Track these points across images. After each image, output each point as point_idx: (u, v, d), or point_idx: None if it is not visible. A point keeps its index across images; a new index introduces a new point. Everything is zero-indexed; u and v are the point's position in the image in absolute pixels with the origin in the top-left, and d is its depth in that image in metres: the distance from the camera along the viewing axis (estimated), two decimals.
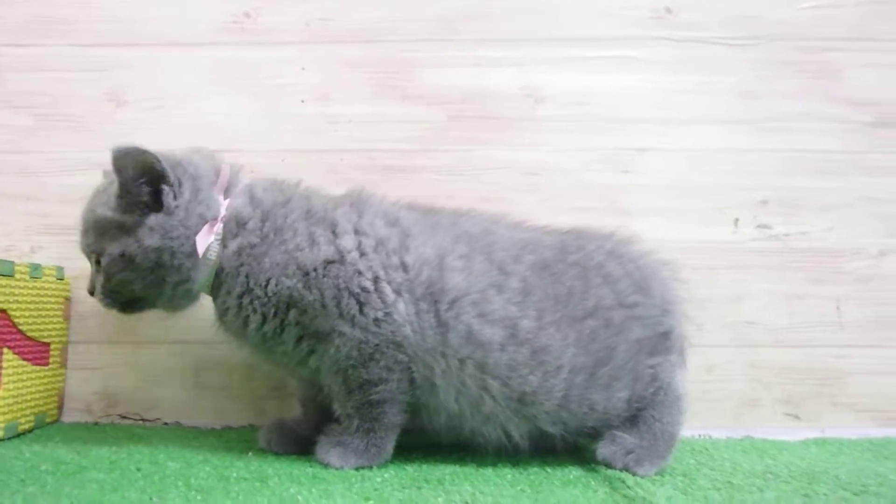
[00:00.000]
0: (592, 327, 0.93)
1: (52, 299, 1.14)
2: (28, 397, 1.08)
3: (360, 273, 0.89)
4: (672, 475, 0.90)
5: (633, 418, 0.94)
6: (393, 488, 0.81)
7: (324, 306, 0.88)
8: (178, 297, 0.94)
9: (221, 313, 0.94)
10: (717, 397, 1.21)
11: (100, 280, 0.92)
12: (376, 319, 0.88)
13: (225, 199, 0.94)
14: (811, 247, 1.23)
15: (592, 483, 0.86)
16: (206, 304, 1.18)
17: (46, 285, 1.12)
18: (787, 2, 1.25)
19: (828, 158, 1.23)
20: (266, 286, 0.89)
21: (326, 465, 0.88)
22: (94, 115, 1.24)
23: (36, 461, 0.89)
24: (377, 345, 0.88)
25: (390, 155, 1.25)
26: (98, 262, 0.92)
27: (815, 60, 1.24)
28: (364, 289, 0.88)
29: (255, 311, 0.90)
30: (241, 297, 0.90)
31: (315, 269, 0.89)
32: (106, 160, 1.09)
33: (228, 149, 1.22)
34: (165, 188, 0.89)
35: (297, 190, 0.99)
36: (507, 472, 0.90)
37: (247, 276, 0.90)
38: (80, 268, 1.19)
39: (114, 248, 0.89)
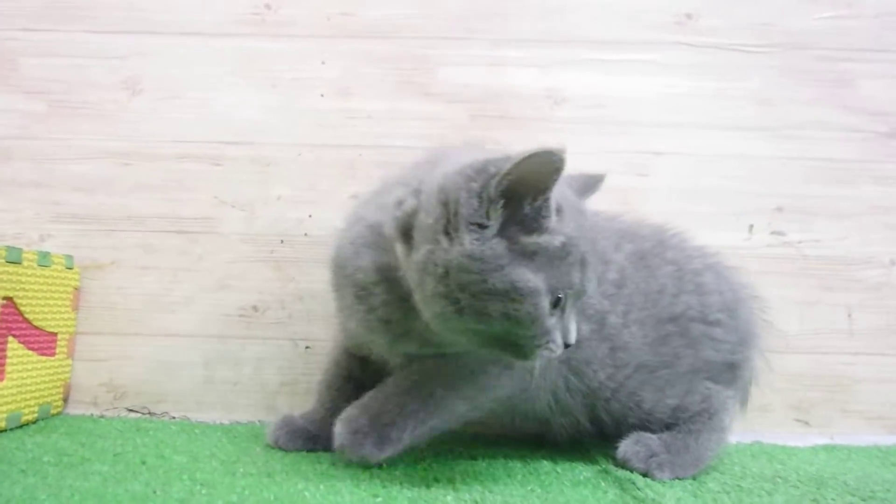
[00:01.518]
0: (671, 332, 0.92)
1: (61, 288, 1.12)
2: (32, 388, 1.05)
3: None
4: (681, 479, 0.89)
5: (668, 426, 0.93)
6: (402, 486, 0.79)
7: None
8: None
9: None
10: None
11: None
12: None
13: None
14: (824, 254, 1.24)
15: (602, 484, 0.85)
16: (228, 296, 1.18)
17: (55, 274, 1.10)
18: (806, 11, 1.26)
19: (842, 167, 1.25)
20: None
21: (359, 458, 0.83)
22: (108, 102, 1.22)
23: (38, 452, 0.87)
24: None
25: (409, 152, 1.23)
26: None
27: (832, 70, 1.26)
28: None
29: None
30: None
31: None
32: (120, 148, 1.08)
33: (244, 141, 1.22)
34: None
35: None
36: (518, 472, 0.89)
37: None
38: (90, 258, 1.18)
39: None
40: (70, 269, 1.14)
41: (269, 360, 1.18)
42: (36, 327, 1.06)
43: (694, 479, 0.89)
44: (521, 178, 0.68)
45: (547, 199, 0.70)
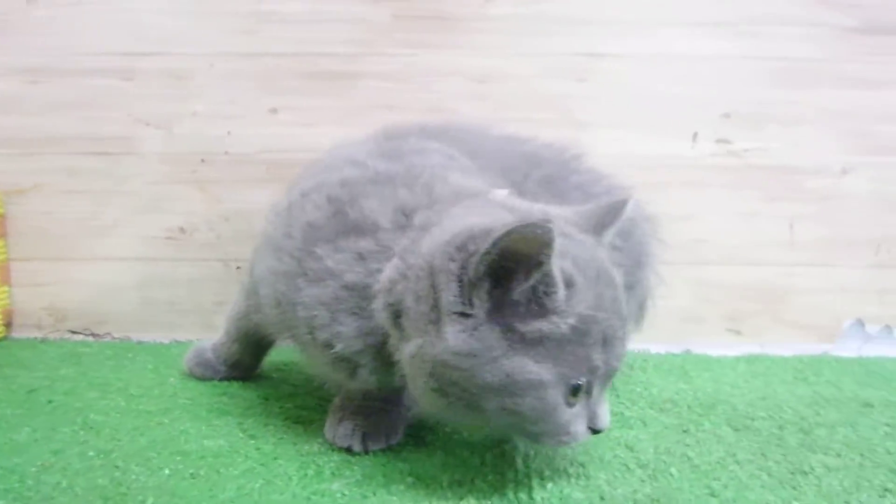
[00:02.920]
0: None
1: None
2: None
3: None
4: None
5: None
6: (286, 424, 0.83)
7: None
8: None
9: None
10: (660, 313, 1.20)
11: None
12: None
13: None
14: (771, 164, 1.17)
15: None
16: (156, 218, 1.17)
17: None
18: None
19: (800, 68, 1.15)
20: None
21: None
22: (3, 12, 1.13)
23: None
24: None
25: (331, 60, 1.15)
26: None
27: None
28: None
29: None
30: None
31: None
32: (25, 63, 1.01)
33: (154, 51, 1.15)
34: None
35: None
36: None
37: None
38: (11, 182, 1.16)
39: None
40: None
41: (202, 280, 1.19)
42: None
43: None
44: (506, 255, 0.57)
45: (546, 275, 0.58)
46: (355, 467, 0.71)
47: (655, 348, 1.18)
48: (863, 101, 1.15)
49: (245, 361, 0.98)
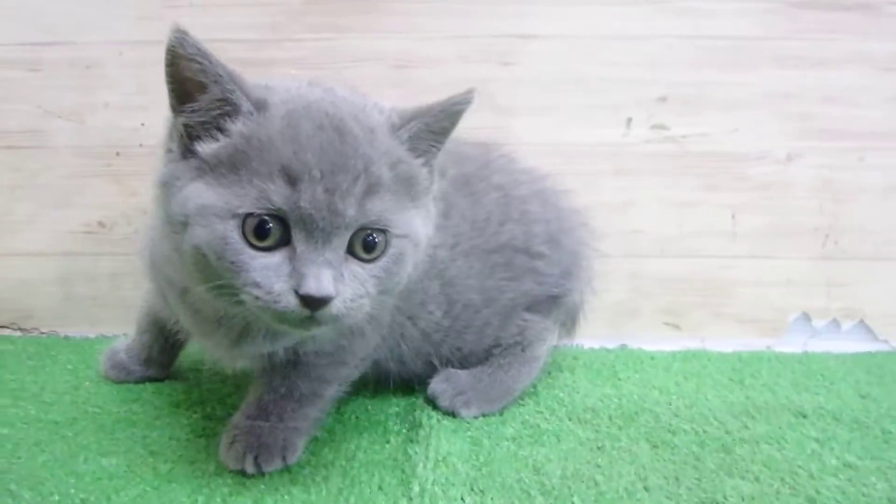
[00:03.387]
0: (496, 264, 0.85)
1: None
2: None
3: None
4: (486, 414, 0.88)
5: (482, 355, 0.90)
6: (189, 438, 0.81)
7: None
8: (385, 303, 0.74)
9: None
10: (594, 307, 1.15)
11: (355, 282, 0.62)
12: None
13: None
14: (711, 150, 1.10)
15: (394, 428, 0.85)
16: (71, 213, 1.14)
17: None
18: None
19: (740, 46, 1.06)
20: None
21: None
22: None
23: None
24: None
25: (241, 46, 1.10)
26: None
27: None
28: None
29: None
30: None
31: None
32: None
33: (60, 41, 1.10)
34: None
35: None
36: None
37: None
38: None
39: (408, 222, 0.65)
40: None
41: (123, 275, 1.16)
42: None
43: (501, 414, 0.89)
44: (176, 78, 0.60)
45: (218, 98, 0.59)
46: (248, 492, 0.69)
47: (590, 343, 1.14)
48: (808, 81, 1.07)
49: (157, 357, 0.95)
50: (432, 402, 0.88)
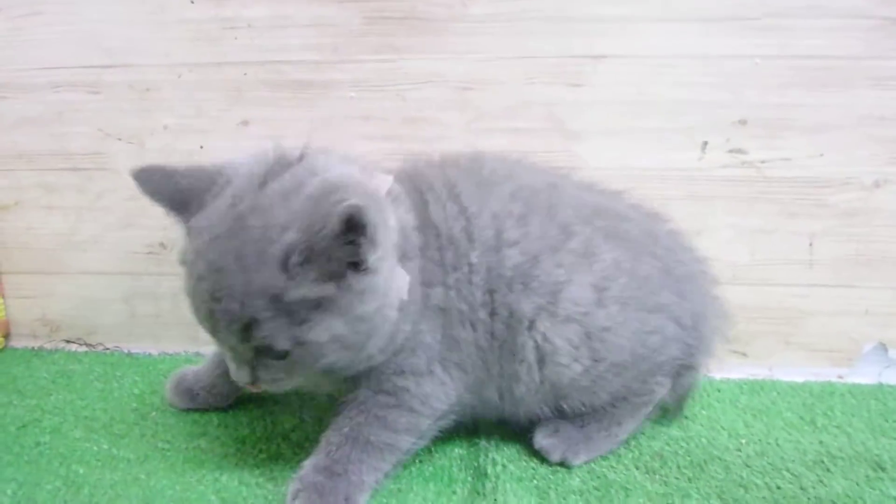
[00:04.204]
0: (654, 327, 0.83)
1: None
2: None
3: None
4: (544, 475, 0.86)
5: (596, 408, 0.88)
6: (259, 483, 0.82)
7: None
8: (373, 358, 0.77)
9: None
10: None
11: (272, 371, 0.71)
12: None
13: None
14: (792, 175, 1.04)
15: (459, 476, 0.85)
16: (134, 234, 1.15)
17: None
18: None
19: (829, 66, 0.99)
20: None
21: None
22: None
23: None
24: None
25: (299, 67, 1.07)
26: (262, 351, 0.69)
27: None
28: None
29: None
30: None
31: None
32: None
33: (119, 63, 1.09)
34: (364, 240, 0.64)
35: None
36: None
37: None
38: None
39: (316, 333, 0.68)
40: None
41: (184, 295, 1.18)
42: None
43: (560, 466, 0.87)
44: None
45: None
46: None
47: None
48: None
49: (222, 387, 0.97)
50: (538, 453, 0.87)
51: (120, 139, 1.12)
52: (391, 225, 0.71)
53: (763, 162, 1.04)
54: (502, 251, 0.78)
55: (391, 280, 0.72)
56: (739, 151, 1.04)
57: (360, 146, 1.08)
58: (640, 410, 0.89)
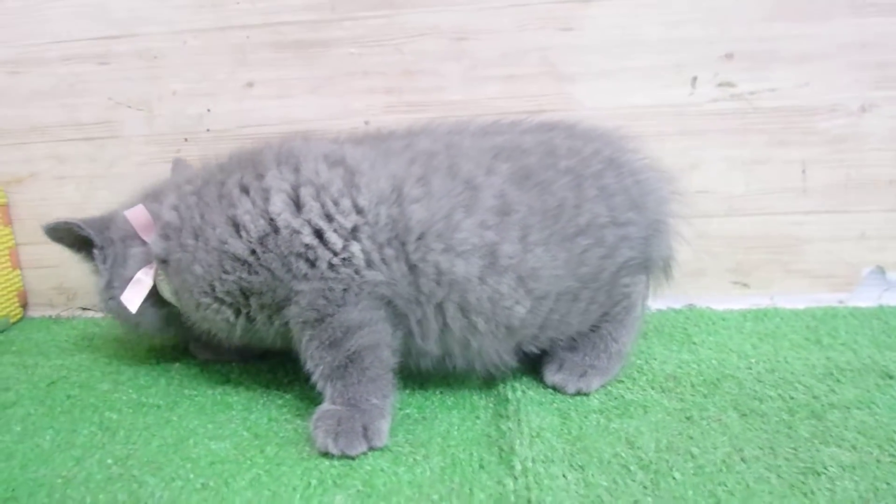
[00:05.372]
0: (584, 247, 0.83)
1: None
2: None
3: (296, 232, 0.78)
4: (563, 398, 0.87)
5: (587, 330, 0.90)
6: (287, 419, 0.84)
7: (275, 278, 0.79)
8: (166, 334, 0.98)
9: (197, 335, 0.91)
10: None
11: None
12: (332, 265, 0.78)
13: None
14: (780, 105, 1.08)
15: (480, 402, 0.87)
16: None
17: None
18: None
19: None
20: (214, 291, 0.82)
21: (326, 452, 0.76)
22: None
23: None
24: (344, 289, 0.78)
25: (300, 27, 1.11)
26: None
27: None
28: (308, 245, 0.78)
29: (218, 317, 0.84)
30: (199, 309, 0.85)
31: (253, 252, 0.79)
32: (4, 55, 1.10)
33: (126, 33, 1.13)
34: (95, 252, 0.92)
35: (210, 175, 0.86)
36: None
37: (194, 294, 0.84)
38: (9, 172, 1.20)
39: None
40: None
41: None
42: None
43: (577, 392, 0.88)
44: None
45: None
46: (356, 473, 0.72)
47: (657, 304, 1.14)
48: (883, 28, 1.02)
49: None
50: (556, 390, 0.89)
51: (129, 107, 1.16)
52: None
53: (752, 94, 1.07)
54: (404, 206, 0.79)
55: None
56: (728, 85, 1.07)
57: (361, 101, 1.12)
58: (628, 317, 0.90)
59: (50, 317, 1.25)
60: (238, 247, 0.79)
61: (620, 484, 0.68)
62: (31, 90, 1.16)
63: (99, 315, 1.24)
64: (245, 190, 0.81)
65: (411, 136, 0.88)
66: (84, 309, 1.25)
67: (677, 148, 1.10)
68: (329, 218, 0.79)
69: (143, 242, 0.88)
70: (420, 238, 0.78)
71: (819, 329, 1.04)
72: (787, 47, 1.05)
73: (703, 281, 1.16)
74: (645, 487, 0.67)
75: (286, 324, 0.82)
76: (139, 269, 0.89)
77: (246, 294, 0.82)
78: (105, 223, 0.92)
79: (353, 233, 0.78)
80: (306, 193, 0.79)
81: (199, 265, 0.82)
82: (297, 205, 0.79)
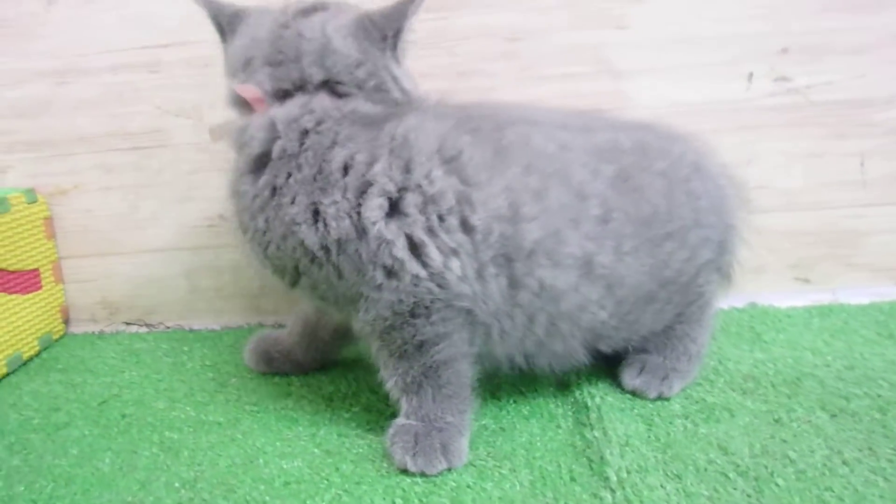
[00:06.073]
0: (670, 250, 0.81)
1: (28, 226, 1.12)
2: (25, 326, 1.09)
3: (387, 242, 0.71)
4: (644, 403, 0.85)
5: (664, 332, 0.88)
6: (358, 433, 0.81)
7: (341, 279, 0.73)
8: None
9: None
10: None
11: None
12: (417, 278, 0.72)
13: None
14: (837, 98, 1.08)
15: (559, 411, 0.84)
16: (193, 207, 1.16)
17: (18, 215, 1.09)
18: None
19: None
20: (266, 249, 0.76)
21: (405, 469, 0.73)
22: (25, 16, 1.13)
23: (27, 412, 0.91)
24: (420, 301, 0.73)
25: None
26: None
27: None
28: (397, 258, 0.71)
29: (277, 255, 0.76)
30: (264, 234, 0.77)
31: (325, 248, 0.73)
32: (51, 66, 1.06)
33: (176, 41, 1.13)
34: None
35: (331, 128, 0.75)
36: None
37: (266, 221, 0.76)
38: (52, 184, 1.18)
39: None
40: (33, 202, 1.14)
41: (244, 266, 1.18)
42: (14, 271, 1.08)
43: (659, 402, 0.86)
44: None
45: None
46: (442, 491, 0.69)
47: (718, 303, 1.12)
48: None
49: (297, 354, 0.97)
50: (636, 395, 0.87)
51: (178, 115, 1.15)
52: None
53: (808, 87, 1.07)
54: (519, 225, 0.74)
55: None
56: (784, 79, 1.07)
57: None
58: (703, 316, 0.89)
59: (93, 332, 1.21)
60: (309, 237, 0.72)
61: (722, 492, 0.66)
62: (79, 100, 1.15)
63: (143, 330, 1.21)
64: (345, 170, 0.73)
65: (525, 124, 0.80)
66: (128, 324, 1.22)
67: (734, 143, 1.09)
68: (432, 233, 0.72)
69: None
70: (529, 256, 0.74)
71: (889, 324, 1.02)
72: (841, 40, 1.06)
73: (763, 278, 1.14)
74: (748, 496, 0.65)
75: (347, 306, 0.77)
76: None
77: (299, 272, 0.76)
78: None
79: (455, 250, 0.73)
80: (411, 202, 0.72)
81: (264, 216, 0.75)
82: (398, 211, 0.72)
